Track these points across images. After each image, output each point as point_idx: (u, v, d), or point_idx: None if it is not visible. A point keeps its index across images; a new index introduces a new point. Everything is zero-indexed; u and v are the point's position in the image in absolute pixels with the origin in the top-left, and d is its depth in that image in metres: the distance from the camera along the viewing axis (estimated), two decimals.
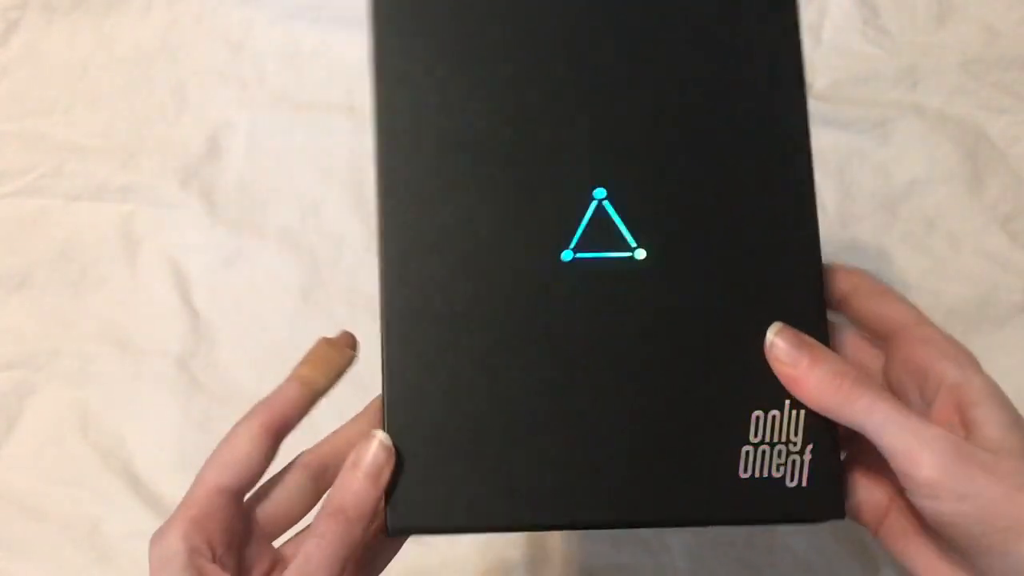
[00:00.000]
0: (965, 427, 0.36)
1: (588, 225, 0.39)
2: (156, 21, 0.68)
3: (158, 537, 0.36)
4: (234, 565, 0.36)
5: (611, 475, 0.38)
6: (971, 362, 0.37)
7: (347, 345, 0.41)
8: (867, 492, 0.39)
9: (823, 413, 0.36)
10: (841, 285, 0.41)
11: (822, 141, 0.63)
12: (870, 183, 0.63)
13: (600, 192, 0.39)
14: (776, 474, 0.37)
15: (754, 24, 0.40)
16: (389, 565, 0.41)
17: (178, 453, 0.61)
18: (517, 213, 0.38)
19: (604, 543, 0.58)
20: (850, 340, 0.41)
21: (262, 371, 0.62)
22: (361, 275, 0.63)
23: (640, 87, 0.39)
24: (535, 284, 0.38)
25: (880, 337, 0.40)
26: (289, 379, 0.40)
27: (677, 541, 0.58)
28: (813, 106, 0.63)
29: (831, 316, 0.40)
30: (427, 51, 0.40)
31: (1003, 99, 0.63)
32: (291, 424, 0.39)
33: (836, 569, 0.57)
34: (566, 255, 0.38)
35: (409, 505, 0.37)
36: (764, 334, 0.38)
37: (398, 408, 0.38)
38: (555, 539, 0.58)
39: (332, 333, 0.62)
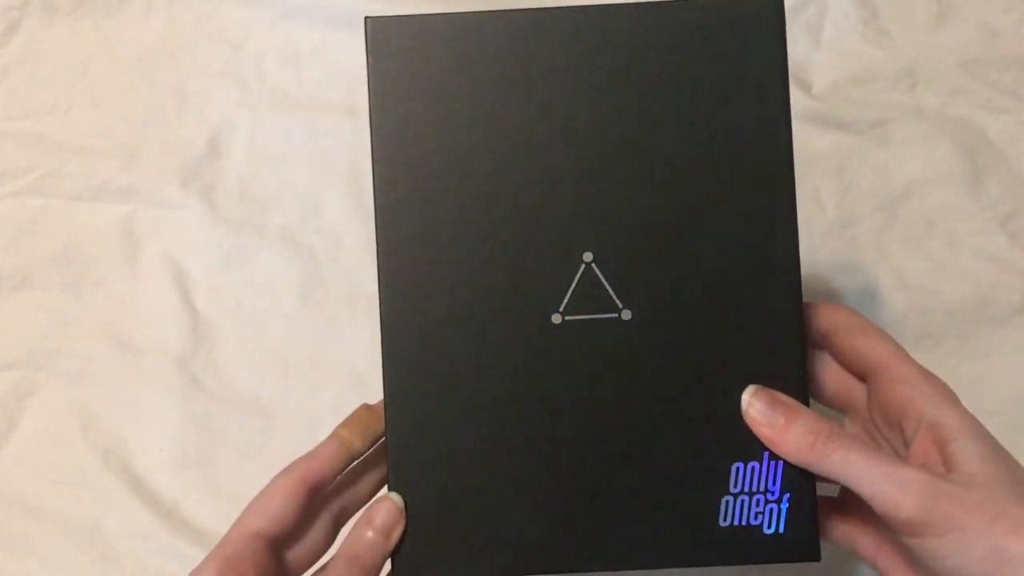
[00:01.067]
0: (945, 462, 0.38)
1: (577, 287, 0.41)
2: (157, 22, 0.68)
3: (196, 573, 0.38)
4: None
5: (600, 525, 0.40)
6: (947, 397, 0.39)
7: (382, 414, 0.43)
8: (862, 528, 0.41)
9: (802, 467, 0.39)
10: (823, 323, 0.42)
11: (822, 142, 0.63)
12: (870, 183, 0.63)
13: (588, 256, 0.41)
14: (754, 521, 0.40)
15: (743, 102, 0.40)
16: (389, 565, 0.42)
17: (178, 453, 0.61)
18: (509, 278, 0.41)
19: None
20: (834, 374, 0.43)
21: (262, 371, 0.62)
22: (361, 275, 0.63)
23: (629, 156, 0.40)
24: (527, 345, 0.40)
25: (861, 374, 0.42)
26: (329, 438, 0.42)
27: None
28: (813, 106, 0.63)
29: (816, 352, 0.42)
30: (423, 119, 0.41)
31: (1002, 99, 0.63)
32: (327, 481, 0.41)
33: (837, 570, 0.57)
34: (555, 317, 0.40)
35: (415, 563, 0.41)
36: (744, 389, 0.40)
37: (402, 471, 0.41)
38: None
39: (332, 335, 0.62)
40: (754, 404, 0.40)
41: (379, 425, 0.42)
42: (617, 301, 0.41)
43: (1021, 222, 0.61)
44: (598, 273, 0.41)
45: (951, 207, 0.62)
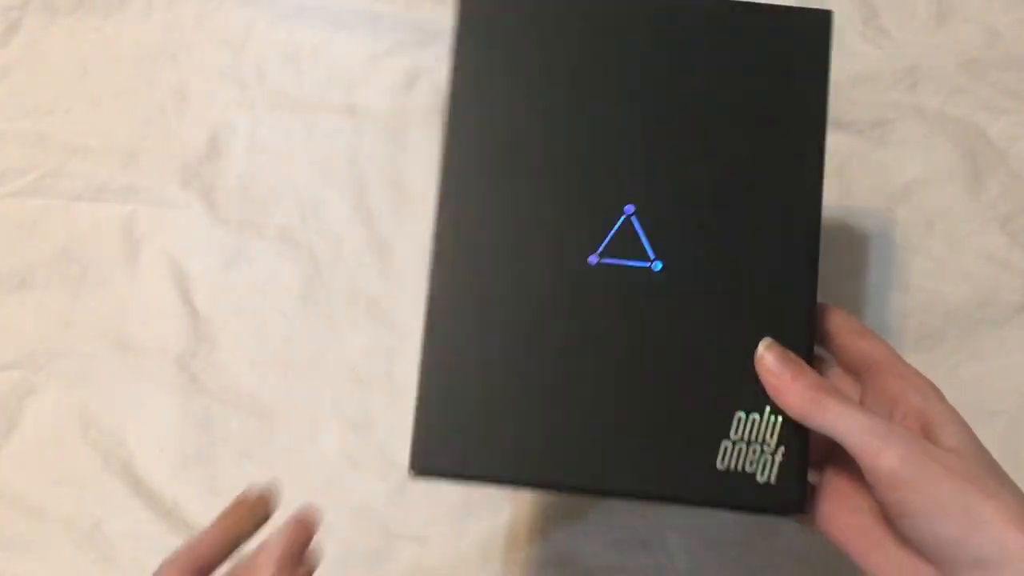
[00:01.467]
0: (927, 438, 0.41)
1: (616, 235, 0.45)
2: (157, 22, 0.68)
3: None
4: None
5: (606, 448, 0.44)
6: (936, 392, 0.42)
7: (268, 500, 0.45)
8: (840, 511, 0.43)
9: (800, 420, 0.42)
10: (827, 324, 0.46)
11: None
12: (870, 183, 0.63)
13: (630, 208, 0.45)
14: (749, 469, 0.43)
15: (784, 80, 0.45)
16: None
17: (178, 453, 0.61)
18: (557, 220, 0.45)
19: (605, 544, 0.58)
20: (832, 373, 0.46)
21: (262, 371, 0.62)
22: (361, 275, 0.64)
23: (676, 127, 0.45)
24: (563, 280, 0.45)
25: (858, 371, 0.45)
26: (214, 525, 0.44)
27: (677, 542, 0.58)
28: None
29: (818, 350, 0.45)
30: (497, 83, 0.46)
31: (1002, 99, 0.63)
32: (213, 566, 0.43)
33: (836, 568, 0.57)
34: (592, 259, 0.45)
35: (429, 453, 0.44)
36: (756, 347, 0.43)
37: (432, 372, 0.45)
38: (556, 538, 0.58)
39: (331, 335, 0.62)
40: (767, 356, 0.43)
41: (265, 512, 0.45)
42: (650, 252, 0.45)
43: (1021, 222, 0.61)
44: (636, 225, 0.45)
45: (951, 207, 0.62)
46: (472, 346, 0.45)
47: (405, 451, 0.61)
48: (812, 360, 0.44)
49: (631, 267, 0.44)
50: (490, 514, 0.59)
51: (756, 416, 0.43)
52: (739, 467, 0.43)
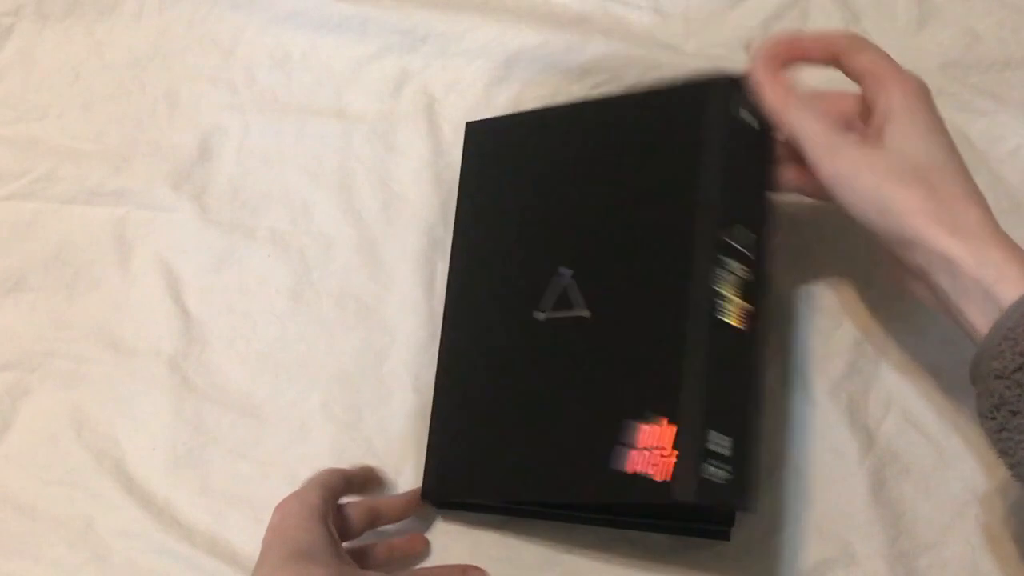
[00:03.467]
0: (877, 136, 0.49)
1: (558, 294, 0.55)
2: (148, 27, 0.69)
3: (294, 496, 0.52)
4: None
5: (543, 464, 0.53)
6: (903, 89, 0.50)
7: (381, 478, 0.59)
8: (810, 180, 0.52)
9: (771, 115, 0.52)
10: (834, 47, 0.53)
11: None
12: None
13: (566, 271, 0.55)
14: (649, 472, 0.48)
15: (684, 150, 0.53)
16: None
17: (170, 452, 0.61)
18: (515, 287, 0.57)
19: (592, 544, 0.59)
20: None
21: (253, 372, 0.63)
22: (350, 276, 0.64)
23: (606, 208, 0.55)
24: (517, 334, 0.56)
25: (856, 77, 0.53)
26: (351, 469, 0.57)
27: (662, 540, 0.58)
28: None
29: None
30: (487, 194, 0.61)
31: (983, 101, 0.63)
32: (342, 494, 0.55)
33: (822, 571, 0.57)
34: (538, 315, 0.55)
35: (441, 485, 0.57)
36: (653, 374, 0.50)
37: (439, 425, 0.58)
38: (547, 538, 0.59)
39: (321, 336, 0.63)
40: (760, 50, 0.53)
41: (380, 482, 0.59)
42: (582, 304, 0.54)
43: (1002, 222, 0.61)
44: (571, 284, 0.55)
45: None
46: (466, 404, 0.57)
47: (393, 449, 0.61)
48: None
49: (567, 316, 0.54)
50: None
51: (655, 426, 0.49)
52: (641, 470, 0.49)
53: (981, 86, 0.64)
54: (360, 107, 0.66)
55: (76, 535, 0.60)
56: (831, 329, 0.61)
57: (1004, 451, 0.44)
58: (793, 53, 0.55)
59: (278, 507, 0.51)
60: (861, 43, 0.53)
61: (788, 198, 0.57)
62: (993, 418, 0.44)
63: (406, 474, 0.60)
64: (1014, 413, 0.42)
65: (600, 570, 0.58)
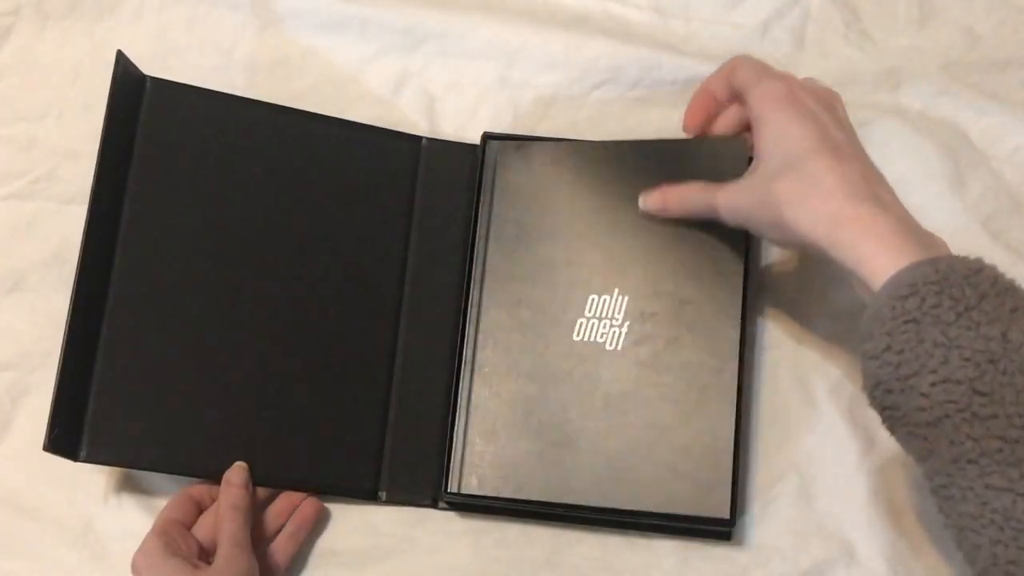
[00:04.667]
0: (756, 153, 0.52)
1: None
2: (147, 27, 0.69)
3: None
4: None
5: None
6: (759, 98, 0.52)
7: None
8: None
9: (666, 216, 0.57)
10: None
11: None
12: None
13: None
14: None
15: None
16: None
17: None
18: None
19: (592, 545, 0.59)
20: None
21: None
22: None
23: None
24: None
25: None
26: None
27: (663, 542, 0.58)
28: None
29: None
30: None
31: (984, 101, 0.63)
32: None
33: (822, 570, 0.57)
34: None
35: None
36: None
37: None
38: (545, 540, 0.59)
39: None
40: (647, 203, 0.58)
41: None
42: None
43: (1003, 221, 0.62)
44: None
45: (934, 207, 0.62)
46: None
47: None
48: None
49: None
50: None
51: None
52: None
53: (981, 86, 0.64)
54: (360, 107, 0.66)
55: (75, 535, 0.60)
56: (831, 330, 0.61)
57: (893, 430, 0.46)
58: (707, 106, 0.58)
59: (131, 567, 0.55)
60: (735, 63, 0.55)
61: None
62: (873, 396, 0.44)
63: None
64: (888, 391, 0.43)
65: (600, 570, 0.58)
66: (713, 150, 0.58)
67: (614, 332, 0.58)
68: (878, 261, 0.44)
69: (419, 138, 0.64)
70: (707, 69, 0.64)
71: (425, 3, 0.68)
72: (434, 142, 0.65)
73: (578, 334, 0.58)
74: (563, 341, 0.58)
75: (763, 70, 0.54)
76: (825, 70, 0.65)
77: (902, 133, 0.63)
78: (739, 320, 0.57)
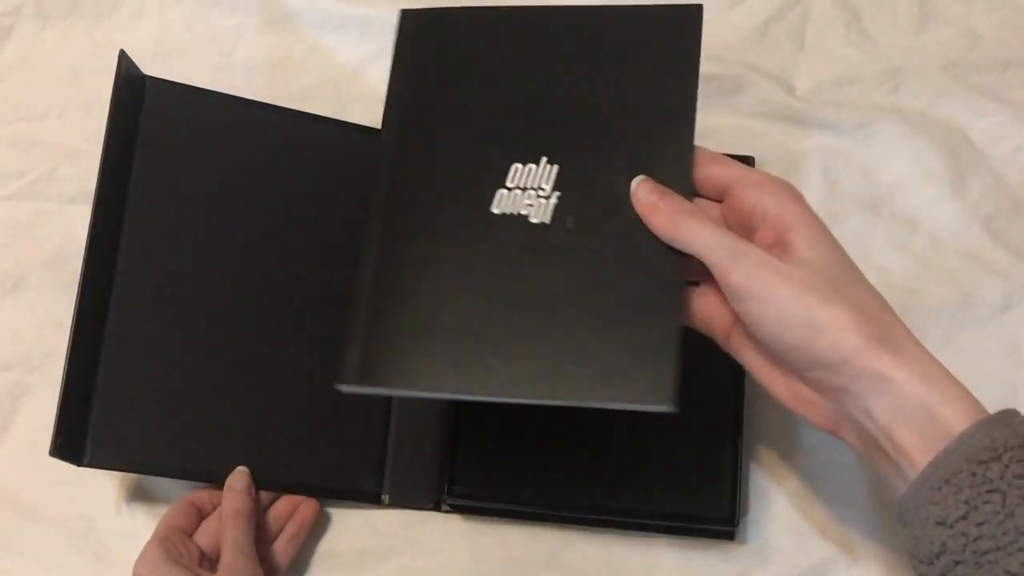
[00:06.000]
0: (781, 247, 0.44)
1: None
2: (148, 27, 0.69)
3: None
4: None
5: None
6: (791, 196, 0.45)
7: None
8: (716, 311, 0.47)
9: (666, 240, 0.45)
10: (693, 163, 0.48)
11: (806, 143, 0.64)
12: (853, 184, 0.63)
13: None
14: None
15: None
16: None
17: None
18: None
19: (592, 544, 0.59)
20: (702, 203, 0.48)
21: None
22: None
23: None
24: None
25: (720, 194, 0.47)
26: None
27: (663, 542, 0.58)
28: (797, 108, 0.64)
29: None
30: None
31: (984, 101, 0.63)
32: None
33: (824, 569, 0.57)
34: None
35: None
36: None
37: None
38: (545, 540, 0.59)
39: None
40: (638, 190, 0.46)
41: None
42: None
43: (1003, 222, 0.62)
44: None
45: (934, 207, 0.62)
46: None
47: None
48: (690, 196, 0.47)
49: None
50: None
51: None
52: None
53: (981, 86, 0.64)
54: (360, 107, 0.66)
55: (76, 535, 0.60)
56: None
57: None
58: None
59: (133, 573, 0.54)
60: (717, 156, 0.48)
61: None
62: (932, 564, 0.40)
63: None
64: (957, 563, 0.39)
65: (600, 570, 0.58)
66: (662, 20, 0.51)
67: (540, 204, 0.48)
68: (947, 410, 0.40)
69: None
70: (707, 69, 0.64)
71: (424, 3, 0.68)
72: None
73: (497, 206, 0.48)
74: (480, 211, 0.48)
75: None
76: (826, 70, 0.65)
77: (902, 133, 0.63)
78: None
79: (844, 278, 0.43)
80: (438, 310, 0.47)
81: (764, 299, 0.42)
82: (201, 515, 0.58)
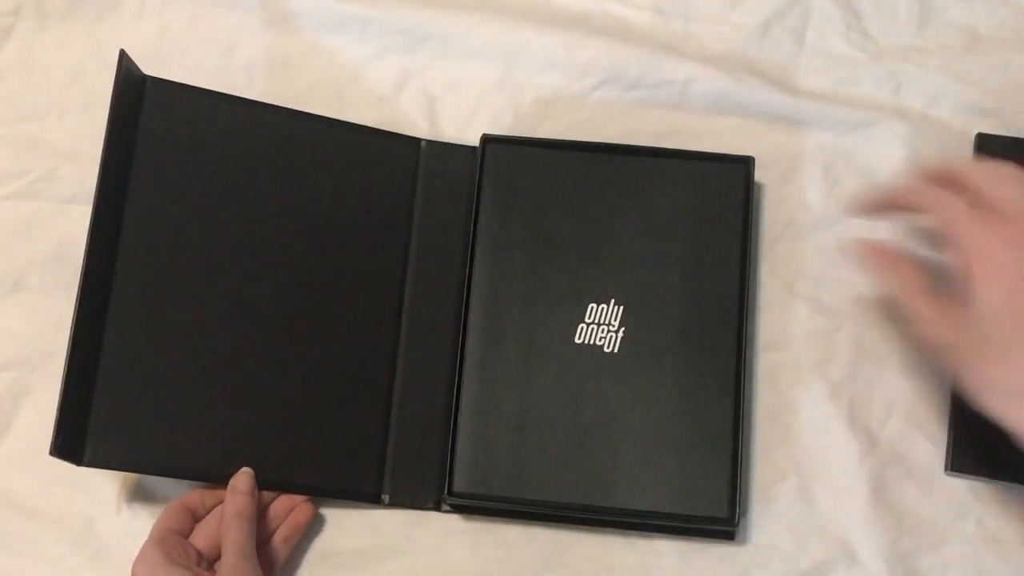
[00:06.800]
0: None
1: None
2: (148, 26, 0.69)
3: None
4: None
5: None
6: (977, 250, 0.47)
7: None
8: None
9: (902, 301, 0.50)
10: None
11: (806, 143, 0.64)
12: (854, 184, 0.63)
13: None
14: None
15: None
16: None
17: None
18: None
19: (592, 545, 0.59)
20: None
21: None
22: None
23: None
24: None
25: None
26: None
27: (663, 542, 0.58)
28: (797, 108, 0.64)
29: None
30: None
31: (984, 101, 0.64)
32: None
33: (824, 569, 0.57)
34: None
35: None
36: None
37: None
38: (545, 540, 0.59)
39: None
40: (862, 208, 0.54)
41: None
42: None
43: None
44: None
45: None
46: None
47: None
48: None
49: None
50: None
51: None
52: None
53: (982, 86, 0.64)
54: (360, 107, 0.66)
55: (76, 535, 0.60)
56: (832, 331, 0.61)
57: None
58: (887, 206, 0.54)
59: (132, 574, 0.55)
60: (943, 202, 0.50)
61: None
62: None
63: None
64: None
65: (600, 570, 0.58)
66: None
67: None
68: None
69: (419, 140, 0.64)
70: (707, 69, 0.65)
71: (425, 3, 0.68)
72: (434, 144, 0.65)
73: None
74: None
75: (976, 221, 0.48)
76: (826, 70, 0.65)
77: (903, 133, 0.63)
78: (739, 322, 0.58)
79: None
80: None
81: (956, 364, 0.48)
82: (195, 517, 0.57)
